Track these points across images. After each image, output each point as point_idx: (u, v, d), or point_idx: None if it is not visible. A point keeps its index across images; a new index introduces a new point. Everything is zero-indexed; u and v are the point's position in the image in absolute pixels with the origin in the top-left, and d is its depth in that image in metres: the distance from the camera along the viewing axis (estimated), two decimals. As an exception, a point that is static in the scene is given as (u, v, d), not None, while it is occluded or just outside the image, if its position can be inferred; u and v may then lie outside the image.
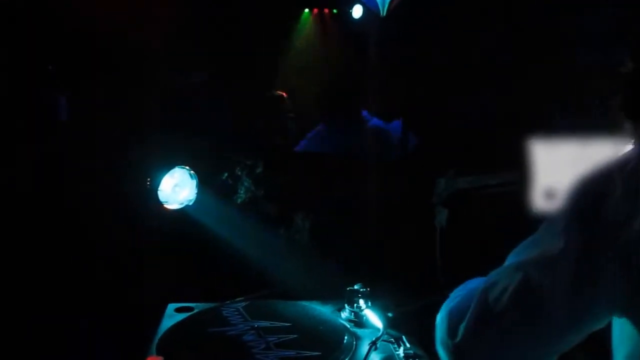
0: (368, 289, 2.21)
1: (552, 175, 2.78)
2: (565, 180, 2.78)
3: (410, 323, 2.16)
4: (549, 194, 2.77)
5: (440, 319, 1.53)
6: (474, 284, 1.55)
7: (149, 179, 2.65)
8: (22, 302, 2.48)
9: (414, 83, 3.65)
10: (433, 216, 2.80)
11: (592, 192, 1.31)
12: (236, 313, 2.18)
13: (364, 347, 1.95)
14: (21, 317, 2.44)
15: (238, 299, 2.35)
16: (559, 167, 2.77)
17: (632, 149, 1.33)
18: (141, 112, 3.26)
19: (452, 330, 1.43)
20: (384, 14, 4.42)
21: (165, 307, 2.25)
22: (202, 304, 2.29)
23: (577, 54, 3.44)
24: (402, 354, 1.91)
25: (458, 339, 1.40)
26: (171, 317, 2.17)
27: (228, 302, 2.31)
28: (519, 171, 2.80)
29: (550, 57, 3.51)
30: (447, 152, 3.04)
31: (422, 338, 2.05)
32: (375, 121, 3.85)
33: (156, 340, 1.98)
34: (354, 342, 1.99)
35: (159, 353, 1.88)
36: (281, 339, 1.97)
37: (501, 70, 3.33)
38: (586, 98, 3.35)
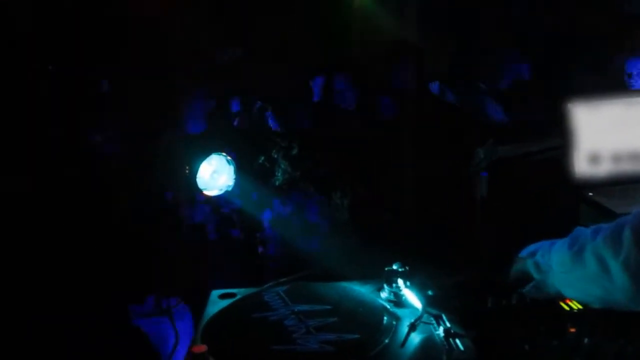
0: (407, 268, 2.21)
1: (595, 139, 2.69)
2: (608, 144, 2.70)
3: (451, 300, 2.15)
4: (593, 158, 2.69)
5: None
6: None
7: (187, 167, 2.70)
8: (67, 292, 2.56)
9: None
10: (472, 187, 2.77)
11: None
12: (277, 297, 2.22)
13: (404, 328, 1.96)
14: (71, 305, 2.53)
15: (279, 280, 2.39)
16: (601, 130, 2.68)
17: None
18: (177, 98, 3.29)
19: None
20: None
21: (207, 293, 2.32)
22: (244, 289, 2.34)
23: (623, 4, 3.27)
24: (442, 333, 1.90)
25: None
26: (215, 303, 2.23)
27: (269, 285, 2.35)
28: (560, 136, 2.72)
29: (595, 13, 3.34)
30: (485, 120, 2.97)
31: (464, 315, 2.05)
32: None
33: (201, 328, 2.04)
34: (394, 323, 1.99)
35: (203, 341, 1.93)
36: (321, 323, 1.99)
37: (539, 32, 3.19)
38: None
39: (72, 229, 2.63)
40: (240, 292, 2.32)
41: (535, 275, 1.93)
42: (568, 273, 1.77)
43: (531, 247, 2.00)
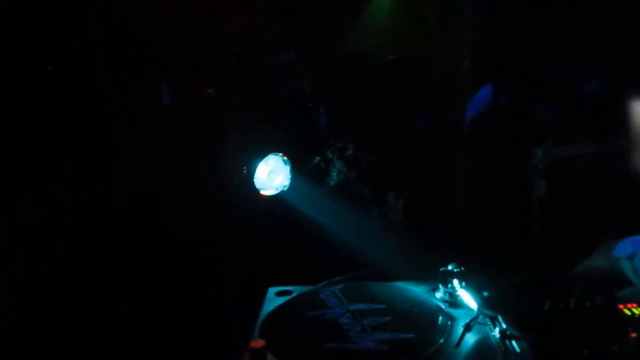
0: (462, 269, 2.21)
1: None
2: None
3: (507, 301, 2.13)
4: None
5: None
6: None
7: (245, 167, 2.77)
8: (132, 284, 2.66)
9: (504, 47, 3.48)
10: (530, 189, 2.73)
11: None
12: (332, 296, 2.25)
13: (460, 328, 1.96)
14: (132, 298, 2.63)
15: (335, 279, 2.43)
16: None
17: None
18: (235, 99, 3.36)
19: None
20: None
21: (266, 291, 2.37)
22: (300, 287, 2.38)
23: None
24: (497, 335, 1.90)
25: None
26: (272, 300, 2.29)
27: (324, 283, 2.39)
28: (623, 136, 2.65)
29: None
30: (543, 120, 2.92)
31: (520, 316, 2.03)
32: None
33: (258, 324, 2.09)
34: (449, 323, 2.00)
35: (261, 337, 1.99)
36: (376, 321, 2.01)
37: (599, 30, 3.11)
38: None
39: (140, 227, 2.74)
40: (296, 289, 2.37)
41: (634, 278, 1.87)
42: None
43: (626, 246, 1.93)
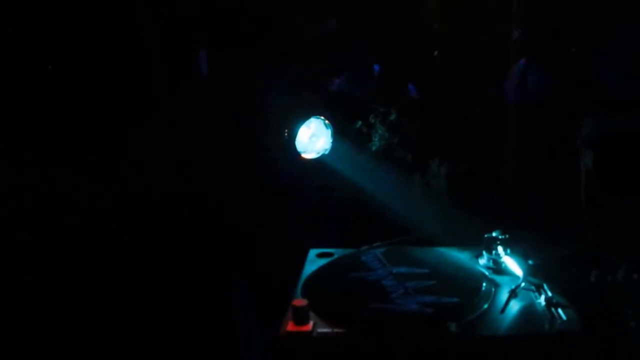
0: (507, 236, 2.18)
1: None
2: None
3: (553, 270, 2.11)
4: None
5: None
6: None
7: (287, 130, 2.76)
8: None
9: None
10: (578, 158, 2.66)
11: None
12: (375, 259, 2.25)
13: (504, 295, 1.95)
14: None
15: (376, 244, 2.42)
16: None
17: None
18: (276, 64, 3.35)
19: None
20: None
21: (307, 253, 2.39)
22: (342, 249, 2.39)
23: None
24: (543, 302, 1.88)
25: None
26: (313, 262, 2.30)
27: (366, 247, 2.39)
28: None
29: None
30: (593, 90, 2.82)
31: (566, 286, 2.00)
32: None
33: (300, 284, 2.11)
34: (493, 289, 1.98)
35: (304, 296, 2.00)
36: (420, 285, 2.01)
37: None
38: None
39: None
40: (337, 252, 2.38)
41: None
42: None
43: None
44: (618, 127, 2.65)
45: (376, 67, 3.15)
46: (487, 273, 2.12)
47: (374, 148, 2.94)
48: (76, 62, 2.82)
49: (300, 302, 1.88)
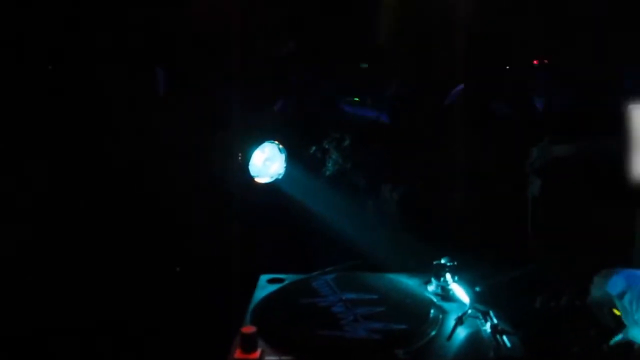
0: (455, 263, 2.21)
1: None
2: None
3: (499, 297, 2.14)
4: (652, 162, 2.62)
5: None
6: None
7: (240, 154, 2.75)
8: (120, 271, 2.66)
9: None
10: (526, 186, 2.73)
11: None
12: (325, 285, 2.25)
13: (451, 322, 1.97)
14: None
15: (327, 269, 2.42)
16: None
17: None
18: (233, 87, 3.35)
19: None
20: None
21: (256, 278, 2.36)
22: (293, 275, 2.38)
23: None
24: (489, 329, 1.90)
25: None
26: (263, 288, 2.28)
27: (317, 273, 2.38)
28: (618, 137, 2.66)
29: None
30: (541, 119, 2.92)
31: (511, 313, 2.04)
32: None
33: (249, 311, 2.08)
34: (441, 316, 2.00)
35: (252, 323, 1.98)
36: (369, 311, 2.01)
37: (599, 29, 3.12)
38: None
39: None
40: (288, 277, 2.36)
41: (625, 319, 1.87)
42: None
43: (619, 281, 1.91)
44: (564, 154, 2.74)
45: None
46: (435, 300, 2.14)
47: (327, 173, 2.96)
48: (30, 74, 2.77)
49: (248, 329, 1.85)
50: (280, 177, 2.85)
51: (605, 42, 2.95)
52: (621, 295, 1.89)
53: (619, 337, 1.91)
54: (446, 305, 2.10)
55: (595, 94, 2.84)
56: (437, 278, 2.20)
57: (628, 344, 1.88)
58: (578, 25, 2.98)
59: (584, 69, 2.93)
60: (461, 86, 3.25)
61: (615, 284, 1.94)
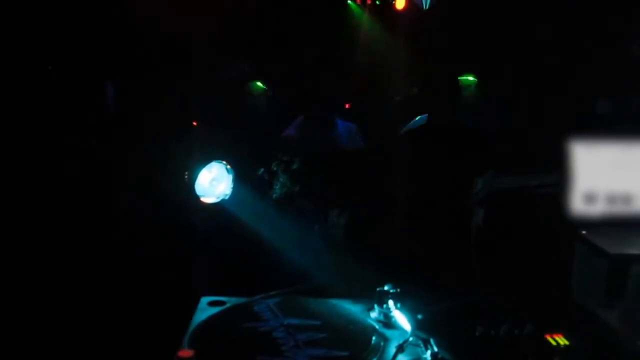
0: (398, 290, 2.22)
1: (593, 178, 2.71)
2: (606, 185, 2.71)
3: (440, 325, 2.15)
4: (589, 198, 2.71)
5: None
6: None
7: (187, 173, 2.71)
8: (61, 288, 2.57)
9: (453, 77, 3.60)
10: (470, 216, 2.78)
11: None
12: (267, 309, 2.22)
13: (392, 349, 1.96)
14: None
15: (270, 293, 2.39)
16: (600, 170, 2.70)
17: None
18: (181, 106, 3.32)
19: None
20: (427, 7, 4.38)
21: (198, 300, 2.31)
22: (235, 298, 2.34)
23: (629, 50, 3.33)
24: (429, 358, 1.91)
25: None
26: (204, 310, 2.23)
27: (260, 296, 2.35)
28: (560, 173, 2.74)
29: (600, 54, 3.40)
30: (486, 151, 2.99)
31: (452, 341, 2.05)
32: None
33: (188, 334, 2.03)
34: (382, 343, 2.00)
35: (191, 346, 1.93)
36: (310, 337, 1.99)
37: (546, 68, 3.25)
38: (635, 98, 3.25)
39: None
40: (230, 300, 2.32)
41: None
42: None
43: None
44: (507, 185, 2.80)
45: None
46: (377, 326, 2.13)
47: (275, 196, 2.94)
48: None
49: (186, 352, 1.81)
50: (226, 197, 2.81)
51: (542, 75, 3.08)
52: None
53: None
54: (388, 332, 2.10)
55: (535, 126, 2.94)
56: (380, 305, 2.20)
57: None
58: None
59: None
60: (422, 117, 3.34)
61: None
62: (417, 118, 3.58)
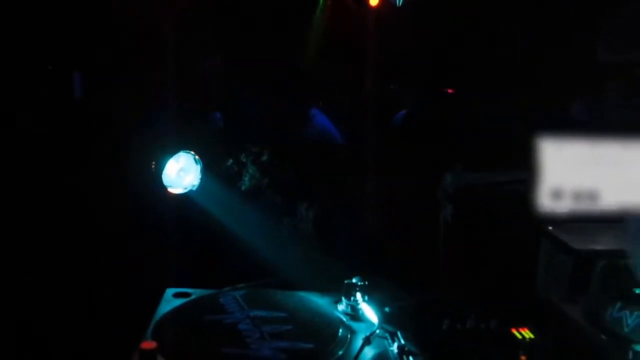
0: (366, 283, 2.20)
1: (560, 175, 2.73)
2: (572, 181, 2.75)
3: (407, 319, 2.15)
4: (556, 194, 2.74)
5: None
6: None
7: (154, 162, 2.65)
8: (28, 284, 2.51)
9: (426, 75, 3.61)
10: (439, 211, 2.79)
11: None
12: (233, 301, 2.18)
13: (359, 341, 1.95)
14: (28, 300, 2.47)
15: (236, 286, 2.36)
16: (567, 167, 2.73)
17: None
18: (150, 95, 3.25)
19: None
20: (400, 3, 4.37)
21: (163, 292, 2.27)
22: (200, 290, 2.30)
23: (597, 52, 3.38)
24: (395, 350, 1.90)
25: None
26: (168, 302, 2.19)
27: (226, 289, 2.32)
28: (528, 169, 2.76)
29: (569, 54, 3.44)
30: (456, 147, 3.01)
31: (418, 334, 2.05)
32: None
33: (152, 325, 1.99)
34: (349, 336, 1.98)
35: (154, 338, 1.89)
36: (276, 329, 1.97)
37: (516, 66, 3.27)
38: (602, 97, 3.30)
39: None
40: (195, 292, 2.28)
41: None
42: None
43: None
44: (475, 181, 2.82)
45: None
46: (344, 319, 2.12)
47: (243, 187, 2.91)
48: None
49: (148, 344, 1.77)
50: (194, 188, 2.76)
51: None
52: None
53: None
54: (355, 325, 2.08)
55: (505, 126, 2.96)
56: (348, 297, 2.18)
57: None
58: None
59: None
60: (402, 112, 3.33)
61: None
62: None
